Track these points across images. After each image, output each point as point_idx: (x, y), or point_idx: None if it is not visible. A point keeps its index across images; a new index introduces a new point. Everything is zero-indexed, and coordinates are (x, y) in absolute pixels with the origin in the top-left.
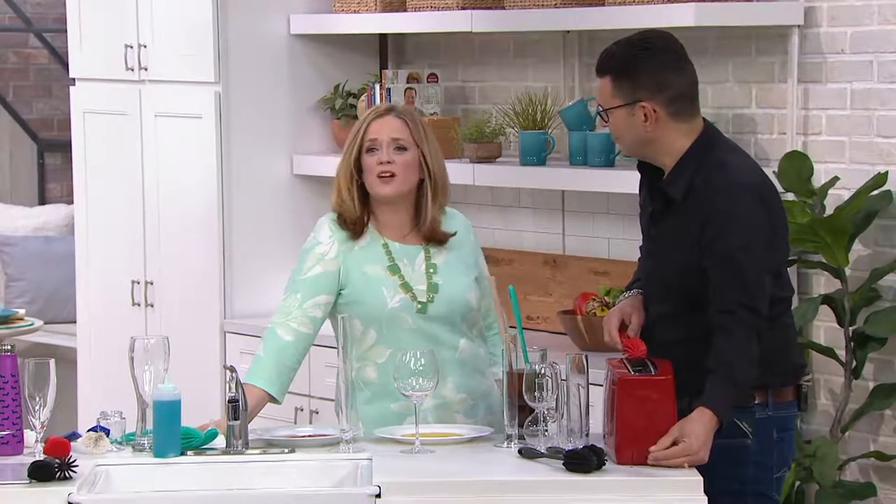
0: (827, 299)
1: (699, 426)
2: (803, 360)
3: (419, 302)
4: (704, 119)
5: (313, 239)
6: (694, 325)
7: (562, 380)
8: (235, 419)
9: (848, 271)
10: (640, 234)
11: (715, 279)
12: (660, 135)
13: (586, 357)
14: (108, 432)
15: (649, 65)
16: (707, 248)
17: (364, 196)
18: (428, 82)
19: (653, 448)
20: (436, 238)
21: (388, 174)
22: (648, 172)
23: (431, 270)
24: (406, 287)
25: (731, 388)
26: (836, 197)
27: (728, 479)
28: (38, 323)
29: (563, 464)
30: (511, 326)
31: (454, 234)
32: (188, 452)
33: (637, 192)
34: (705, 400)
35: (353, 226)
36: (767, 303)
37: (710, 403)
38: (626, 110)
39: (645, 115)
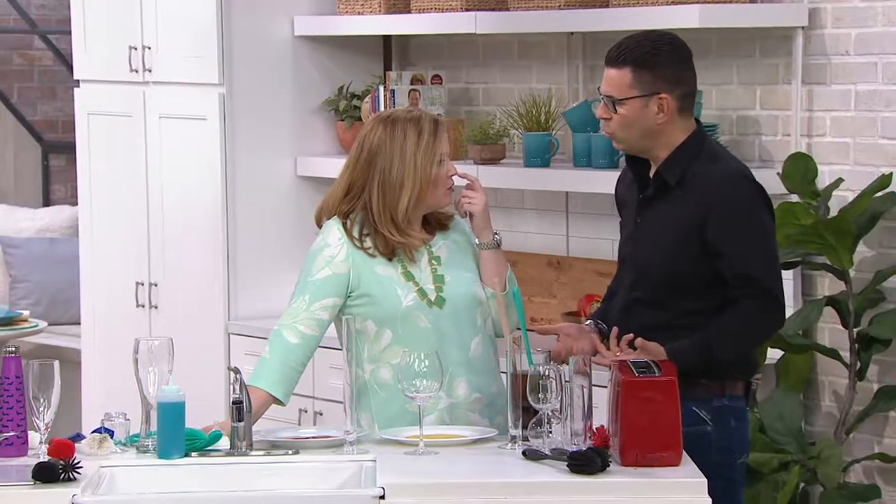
0: (831, 301)
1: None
2: (757, 361)
3: (429, 300)
4: (697, 120)
5: (322, 241)
6: (671, 310)
7: (565, 381)
8: (239, 421)
9: (852, 273)
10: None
11: (730, 257)
12: (665, 128)
13: (590, 359)
14: (112, 434)
15: (671, 59)
16: (717, 231)
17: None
18: (432, 84)
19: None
20: (443, 223)
21: (453, 185)
22: (637, 165)
23: (435, 262)
24: (422, 293)
25: (703, 350)
26: (841, 198)
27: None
28: (43, 324)
29: (567, 465)
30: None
31: (453, 216)
32: (192, 454)
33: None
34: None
35: (389, 250)
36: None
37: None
38: (642, 101)
39: (659, 107)
